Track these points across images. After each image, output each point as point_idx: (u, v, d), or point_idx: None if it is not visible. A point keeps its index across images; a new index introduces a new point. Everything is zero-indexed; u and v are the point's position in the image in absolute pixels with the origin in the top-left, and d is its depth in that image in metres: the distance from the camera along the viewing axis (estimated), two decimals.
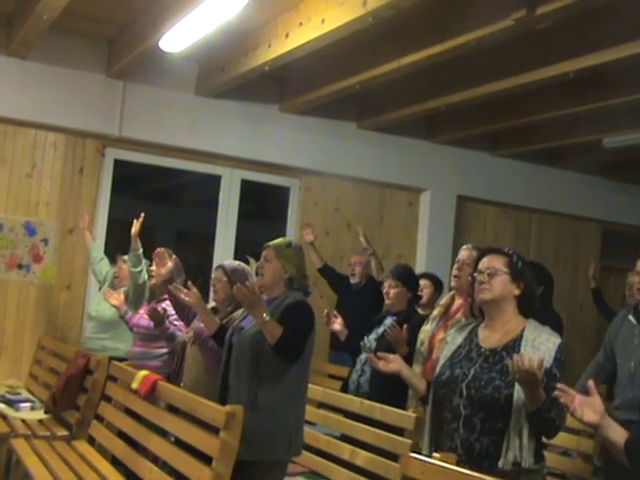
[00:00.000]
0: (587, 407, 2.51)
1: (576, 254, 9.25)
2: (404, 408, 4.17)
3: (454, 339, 3.18)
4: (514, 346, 2.95)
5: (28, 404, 5.83)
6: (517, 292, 3.05)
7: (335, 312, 5.08)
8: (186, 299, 4.11)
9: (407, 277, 5.12)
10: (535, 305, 3.13)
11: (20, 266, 6.74)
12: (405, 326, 4.62)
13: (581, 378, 4.96)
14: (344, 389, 5.02)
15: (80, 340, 6.60)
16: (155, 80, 6.99)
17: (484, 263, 3.09)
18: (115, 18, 6.26)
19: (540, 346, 2.91)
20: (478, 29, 4.97)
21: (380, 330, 4.95)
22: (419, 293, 5.45)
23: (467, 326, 3.21)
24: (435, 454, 2.91)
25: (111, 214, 7.10)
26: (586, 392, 2.57)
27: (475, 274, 3.09)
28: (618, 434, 2.54)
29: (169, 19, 5.31)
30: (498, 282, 3.02)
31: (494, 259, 3.08)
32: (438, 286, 5.62)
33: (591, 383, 2.58)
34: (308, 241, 6.83)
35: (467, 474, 2.65)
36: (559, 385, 2.57)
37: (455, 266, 4.31)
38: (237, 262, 4.60)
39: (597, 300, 7.25)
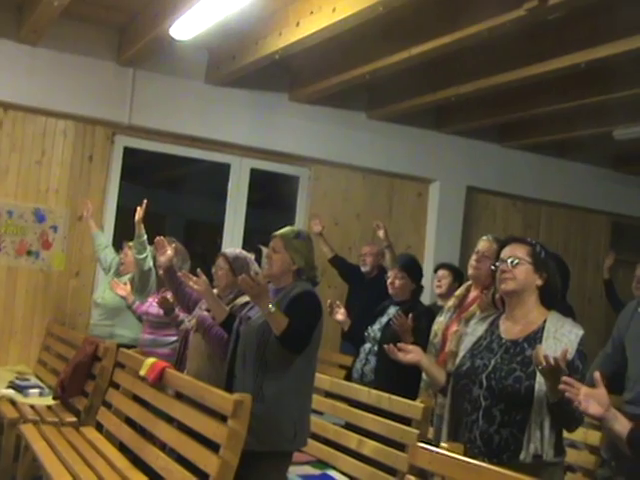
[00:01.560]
0: (592, 399, 2.49)
1: (585, 247, 9.22)
2: (409, 397, 4.17)
3: (475, 330, 3.15)
4: (535, 337, 2.92)
5: (37, 390, 5.85)
6: (539, 282, 3.01)
7: (338, 302, 5.11)
8: (195, 287, 4.11)
9: (413, 268, 5.15)
10: (557, 296, 3.10)
11: (29, 253, 6.76)
12: (410, 315, 4.62)
13: (590, 370, 4.94)
14: (348, 378, 5.04)
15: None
16: (165, 68, 6.99)
17: (507, 252, 3.05)
18: (126, 5, 6.25)
19: (562, 338, 2.88)
20: (489, 19, 4.94)
21: (384, 320, 4.97)
22: (437, 283, 5.46)
23: (488, 317, 3.17)
24: (443, 444, 2.90)
25: (120, 202, 7.10)
26: (593, 384, 2.55)
27: (497, 263, 3.06)
28: (623, 426, 2.53)
29: (180, 7, 5.30)
30: (521, 271, 2.98)
31: (517, 248, 3.04)
32: (457, 276, 5.53)
33: (597, 375, 2.56)
34: (316, 232, 6.84)
35: (475, 464, 2.65)
36: (564, 378, 2.54)
37: (474, 257, 4.26)
38: (239, 250, 4.60)
39: (609, 292, 7.19)
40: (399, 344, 3.24)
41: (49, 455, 4.50)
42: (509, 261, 3.00)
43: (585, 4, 4.79)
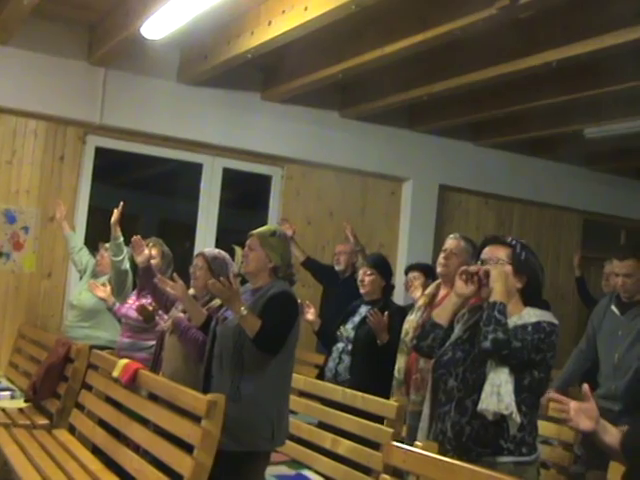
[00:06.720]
0: (582, 414, 2.38)
1: (557, 244, 9.29)
2: (383, 395, 4.17)
3: (467, 320, 3.09)
4: None
5: (8, 393, 5.81)
6: (519, 285, 2.95)
7: (308, 302, 5.12)
8: (172, 291, 4.10)
9: (381, 265, 5.15)
10: (540, 296, 3.04)
11: (0, 254, 6.69)
12: (386, 313, 4.64)
13: (566, 366, 5.00)
14: (320, 377, 5.04)
15: (61, 328, 6.55)
16: (137, 67, 6.94)
17: (486, 254, 3.01)
18: (96, 4, 6.20)
19: (525, 316, 2.87)
20: (461, 18, 4.96)
21: (356, 319, 4.97)
22: (412, 288, 5.43)
23: (480, 310, 3.10)
24: (417, 442, 2.91)
25: (92, 202, 7.05)
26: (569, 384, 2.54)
27: (478, 264, 3.02)
28: (614, 436, 2.42)
29: (151, 6, 5.26)
30: None
31: (497, 250, 3.00)
32: (429, 274, 5.48)
33: (586, 388, 2.46)
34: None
35: (449, 462, 2.66)
36: (554, 396, 2.49)
37: (442, 255, 4.26)
38: (217, 250, 4.59)
39: (580, 289, 7.30)
40: None
41: (21, 459, 4.45)
42: (490, 264, 2.95)
43: (556, 3, 4.82)
